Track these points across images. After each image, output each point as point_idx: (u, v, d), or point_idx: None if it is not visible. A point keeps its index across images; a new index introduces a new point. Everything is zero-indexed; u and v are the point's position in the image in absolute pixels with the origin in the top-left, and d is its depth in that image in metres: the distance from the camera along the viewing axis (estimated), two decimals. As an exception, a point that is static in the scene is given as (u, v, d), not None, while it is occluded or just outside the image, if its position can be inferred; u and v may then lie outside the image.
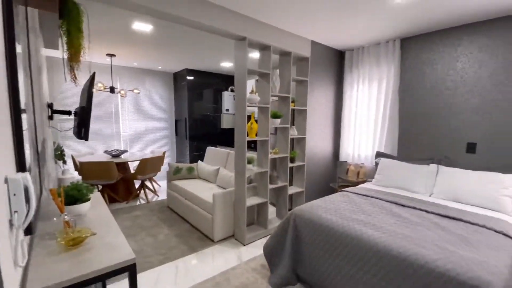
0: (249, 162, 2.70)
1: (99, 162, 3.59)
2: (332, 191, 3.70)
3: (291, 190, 3.17)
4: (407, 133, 3.04)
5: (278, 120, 2.83)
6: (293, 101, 3.12)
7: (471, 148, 2.57)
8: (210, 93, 5.48)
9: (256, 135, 2.80)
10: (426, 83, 2.86)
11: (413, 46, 2.93)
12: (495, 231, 1.70)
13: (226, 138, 5.74)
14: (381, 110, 3.19)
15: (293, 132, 3.08)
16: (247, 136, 2.64)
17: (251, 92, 2.59)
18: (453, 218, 1.90)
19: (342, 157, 3.69)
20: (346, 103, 3.58)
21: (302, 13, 2.38)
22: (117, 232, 1.21)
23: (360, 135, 3.45)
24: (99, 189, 4.19)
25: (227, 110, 5.45)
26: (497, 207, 2.10)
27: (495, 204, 2.11)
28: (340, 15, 2.40)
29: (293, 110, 3.38)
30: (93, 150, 4.72)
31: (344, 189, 2.65)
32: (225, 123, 5.48)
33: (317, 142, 3.50)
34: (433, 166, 2.62)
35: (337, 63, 3.61)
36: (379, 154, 3.17)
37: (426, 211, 2.04)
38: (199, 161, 3.98)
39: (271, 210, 3.63)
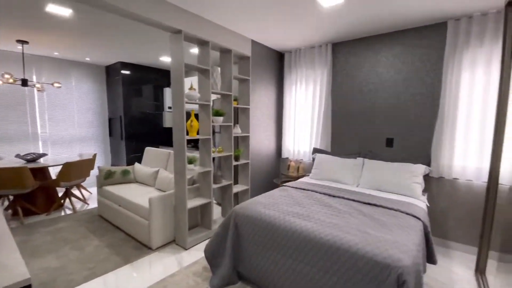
0: (191, 162, 2.59)
1: (6, 169, 2.99)
2: (276, 187, 3.82)
3: (236, 188, 3.16)
4: (339, 130, 3.33)
5: (221, 118, 2.78)
6: (235, 100, 3.11)
7: (389, 142, 2.95)
8: (150, 89, 5.10)
9: (198, 133, 2.70)
10: (354, 85, 3.17)
11: (342, 50, 3.22)
12: (407, 213, 1.96)
13: (169, 138, 5.44)
14: (317, 109, 3.42)
15: (237, 131, 3.07)
16: (187, 134, 2.53)
17: (190, 89, 2.48)
18: (374, 205, 2.14)
19: (284, 154, 3.84)
20: (287, 102, 3.74)
21: (241, 11, 2.38)
22: (11, 250, 1.00)
23: (299, 133, 3.64)
24: (10, 200, 3.52)
25: (169, 107, 5.16)
26: (409, 193, 2.44)
27: (408, 190, 2.46)
28: (277, 18, 2.48)
29: (236, 109, 3.38)
30: (1, 155, 3.92)
31: (284, 184, 2.76)
32: (167, 122, 5.18)
33: (261, 140, 3.56)
34: (359, 160, 2.91)
35: (278, 64, 3.73)
36: (315, 150, 3.39)
37: (353, 200, 2.25)
38: (136, 163, 3.66)
39: (217, 210, 3.56)
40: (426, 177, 2.69)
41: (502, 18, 2.19)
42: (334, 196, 2.35)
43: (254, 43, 3.24)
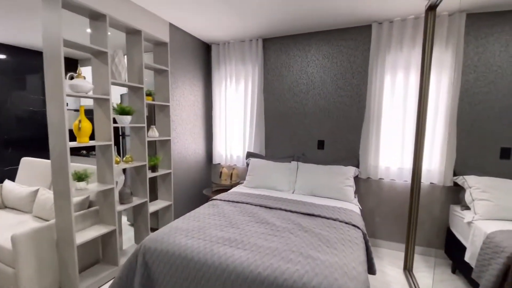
0: (81, 178, 1.87)
1: None
2: (206, 199, 3.35)
3: (155, 206, 2.55)
4: (272, 132, 3.10)
5: (129, 118, 2.15)
6: (150, 94, 2.50)
7: (321, 144, 2.87)
8: (37, 80, 3.87)
9: (94, 138, 2.01)
10: (285, 85, 2.99)
11: (273, 47, 3.01)
12: (346, 223, 1.81)
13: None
14: (249, 109, 3.11)
15: (153, 134, 2.48)
16: (74, 140, 1.83)
17: (78, 76, 1.78)
18: (312, 215, 1.93)
19: (216, 160, 3.40)
20: (216, 101, 3.31)
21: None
22: None
23: (232, 135, 3.27)
24: None
25: (66, 104, 4.03)
26: (343, 197, 2.37)
27: (341, 194, 2.38)
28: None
29: (152, 106, 2.76)
30: None
31: (214, 198, 2.33)
32: (64, 123, 4.03)
33: (187, 144, 3.03)
34: (293, 164, 2.74)
35: (204, 56, 3.27)
36: (249, 154, 3.09)
37: (291, 211, 2.01)
38: (6, 181, 2.61)
39: (130, 234, 2.85)
40: (356, 179, 2.70)
41: (419, 24, 2.32)
42: (271, 208, 2.06)
43: (173, 27, 2.69)
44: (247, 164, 3.05)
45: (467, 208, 2.15)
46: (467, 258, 1.92)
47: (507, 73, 2.08)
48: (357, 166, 2.66)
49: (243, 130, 3.18)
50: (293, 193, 2.56)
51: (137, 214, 2.45)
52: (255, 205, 2.11)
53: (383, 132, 2.57)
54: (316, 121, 2.88)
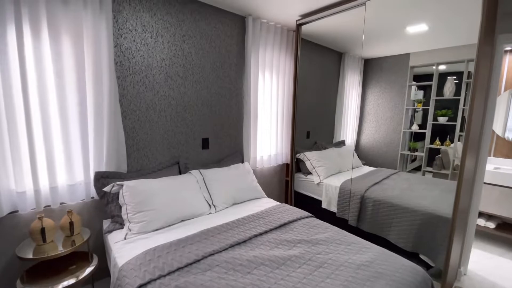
0: None
1: None
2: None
3: None
4: (137, 133, 1.98)
5: None
6: None
7: (205, 143, 2.38)
8: None
9: None
10: (153, 60, 2.00)
11: (127, -5, 1.83)
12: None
13: None
14: (91, 94, 1.70)
15: None
16: None
17: None
18: (280, 226, 1.72)
19: (5, 206, 1.47)
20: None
21: None
22: None
23: (49, 146, 1.57)
24: None
25: None
26: (259, 194, 2.27)
27: (256, 191, 2.26)
28: None
29: None
30: None
31: (152, 279, 1.13)
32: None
33: None
34: (196, 173, 2.04)
35: None
36: (101, 176, 1.75)
37: (260, 234, 1.61)
38: None
39: None
40: (239, 173, 2.65)
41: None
42: (243, 243, 1.48)
43: None
44: (103, 195, 1.73)
45: (309, 173, 3.04)
46: (324, 206, 2.79)
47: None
48: (242, 161, 2.61)
49: (79, 133, 1.68)
50: (216, 211, 1.94)
51: None
52: (222, 251, 1.38)
53: (260, 126, 2.74)
54: (198, 115, 2.30)
